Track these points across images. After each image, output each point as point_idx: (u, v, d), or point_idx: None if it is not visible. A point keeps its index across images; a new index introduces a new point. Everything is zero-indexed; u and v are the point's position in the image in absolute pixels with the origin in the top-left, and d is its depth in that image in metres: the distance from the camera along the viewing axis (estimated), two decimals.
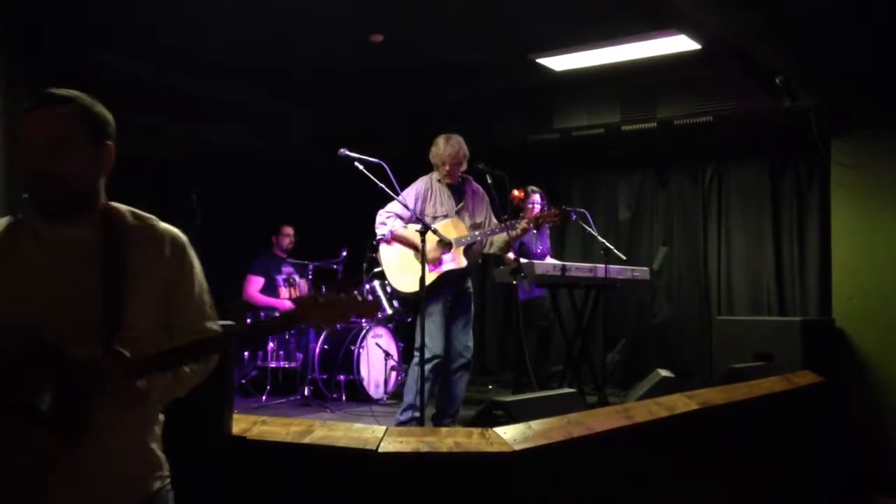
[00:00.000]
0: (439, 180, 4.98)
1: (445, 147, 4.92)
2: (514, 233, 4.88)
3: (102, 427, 1.73)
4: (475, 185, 5.11)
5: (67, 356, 1.71)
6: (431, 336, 4.74)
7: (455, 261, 4.88)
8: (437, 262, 4.83)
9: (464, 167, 5.00)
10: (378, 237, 4.93)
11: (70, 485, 1.72)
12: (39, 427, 1.68)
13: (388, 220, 4.86)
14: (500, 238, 5.04)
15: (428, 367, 4.68)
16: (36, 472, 1.70)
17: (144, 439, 1.88)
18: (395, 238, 4.89)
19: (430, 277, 4.75)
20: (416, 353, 4.71)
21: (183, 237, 1.98)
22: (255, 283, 7.24)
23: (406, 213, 4.80)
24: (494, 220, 5.08)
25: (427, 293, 4.60)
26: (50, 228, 1.84)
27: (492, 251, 5.17)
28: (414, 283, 4.60)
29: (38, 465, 1.70)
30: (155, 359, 1.79)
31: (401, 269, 4.87)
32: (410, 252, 4.82)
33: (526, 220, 4.88)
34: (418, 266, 4.51)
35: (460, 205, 5.00)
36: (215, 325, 1.99)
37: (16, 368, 1.70)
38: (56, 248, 1.82)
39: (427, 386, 4.64)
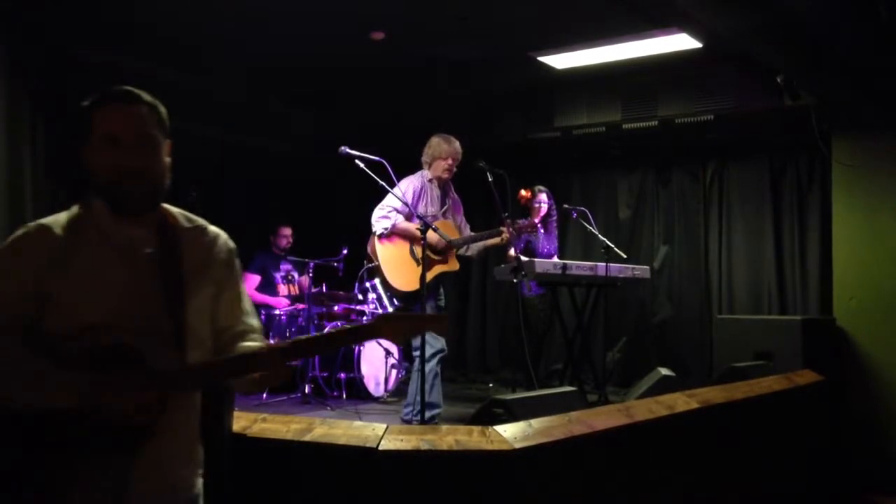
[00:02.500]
0: (430, 180, 5.00)
1: (449, 144, 4.96)
2: (495, 241, 5.05)
3: (168, 429, 1.76)
4: (454, 192, 5.18)
5: (148, 359, 1.70)
6: (433, 332, 4.75)
7: (449, 263, 4.90)
8: (440, 259, 4.86)
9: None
10: (378, 231, 4.87)
11: (145, 491, 1.74)
12: (119, 435, 1.67)
13: (390, 213, 4.82)
14: (477, 246, 5.13)
15: (434, 362, 4.71)
16: (116, 490, 1.70)
17: (193, 438, 1.93)
18: (396, 232, 4.86)
19: (432, 274, 4.78)
20: (419, 355, 4.70)
21: (231, 241, 2.03)
22: (252, 281, 7.25)
23: (404, 210, 4.80)
24: (468, 228, 5.16)
25: (427, 289, 4.63)
26: (114, 226, 1.83)
27: (469, 254, 5.24)
28: (411, 282, 4.61)
29: (120, 484, 1.70)
30: (238, 360, 1.82)
31: (398, 266, 4.86)
32: (407, 250, 4.81)
33: (507, 230, 5.00)
34: (419, 266, 4.52)
35: (444, 207, 5.04)
36: (257, 322, 2.03)
37: (104, 371, 1.67)
38: (120, 247, 1.82)
39: (437, 380, 4.69)
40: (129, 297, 1.78)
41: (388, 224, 4.81)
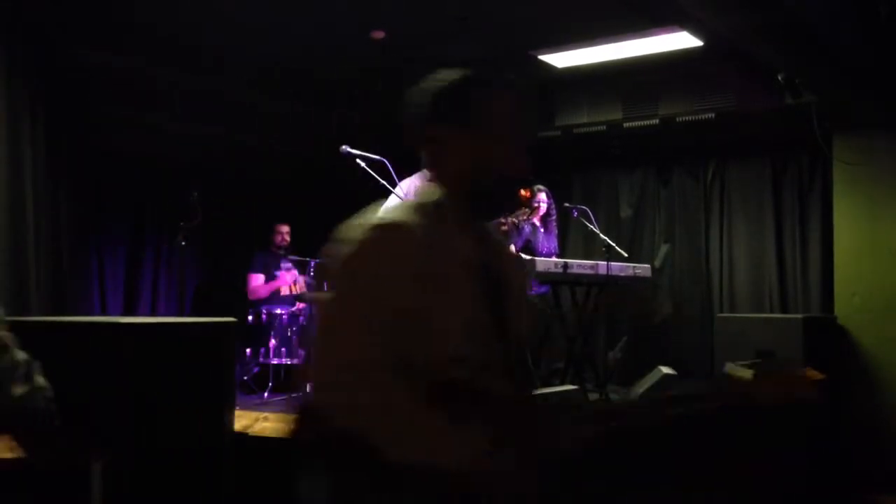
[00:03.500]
0: (430, 180, 5.01)
1: None
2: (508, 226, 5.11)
3: None
4: None
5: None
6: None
7: None
8: None
9: None
10: None
11: None
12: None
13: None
14: None
15: None
16: None
17: None
18: None
19: None
20: None
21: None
22: (256, 281, 7.27)
23: None
24: None
25: None
26: (460, 236, 1.53)
27: None
28: None
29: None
30: None
31: None
32: None
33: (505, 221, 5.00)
34: None
35: None
36: None
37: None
38: (465, 261, 1.52)
39: None
40: (475, 322, 1.48)
41: None
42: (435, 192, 1.58)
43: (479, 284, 1.49)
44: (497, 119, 1.57)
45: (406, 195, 4.81)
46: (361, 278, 1.42)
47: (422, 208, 1.54)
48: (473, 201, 1.55)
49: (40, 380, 1.95)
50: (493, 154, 1.55)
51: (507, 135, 1.56)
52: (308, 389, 1.45)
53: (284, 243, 7.39)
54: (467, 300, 1.46)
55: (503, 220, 5.02)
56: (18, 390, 1.89)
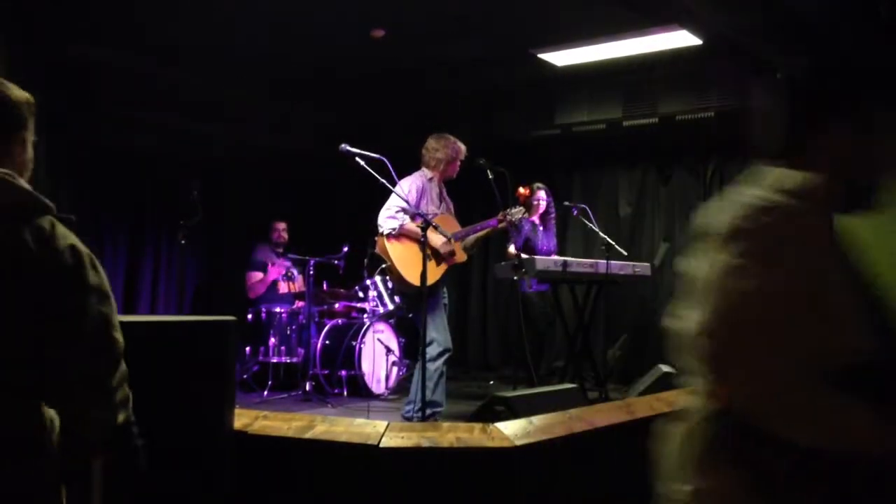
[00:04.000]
0: (430, 179, 5.03)
1: (456, 144, 5.05)
2: (487, 231, 5.15)
3: None
4: (446, 193, 5.24)
5: None
6: (440, 330, 4.78)
7: (457, 255, 4.95)
8: (451, 255, 4.89)
9: None
10: (386, 231, 4.86)
11: None
12: None
13: (397, 213, 4.83)
14: (470, 239, 5.19)
15: (440, 361, 4.72)
16: None
17: None
18: (404, 233, 4.86)
19: (440, 272, 4.83)
20: (429, 351, 4.70)
21: None
22: (254, 279, 7.28)
23: (409, 209, 4.82)
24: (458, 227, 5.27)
25: (435, 287, 4.71)
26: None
27: (465, 247, 5.29)
28: (431, 276, 4.67)
29: None
30: None
31: (414, 264, 4.83)
32: (418, 247, 4.79)
33: (505, 214, 5.06)
34: (431, 260, 4.60)
35: (441, 206, 5.09)
36: None
37: None
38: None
39: (442, 380, 4.73)
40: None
41: (395, 224, 4.83)
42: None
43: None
44: None
45: (408, 194, 4.82)
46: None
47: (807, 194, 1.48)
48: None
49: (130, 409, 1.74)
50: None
51: None
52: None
53: (282, 240, 7.41)
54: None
55: (502, 216, 5.06)
56: (121, 416, 1.69)
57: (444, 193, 5.22)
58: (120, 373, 1.68)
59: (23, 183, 1.65)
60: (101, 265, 1.69)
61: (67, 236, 1.63)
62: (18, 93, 1.76)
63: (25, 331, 1.59)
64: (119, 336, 1.68)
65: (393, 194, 4.76)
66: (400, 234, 4.86)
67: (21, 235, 1.56)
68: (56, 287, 1.60)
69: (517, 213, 5.12)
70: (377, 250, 5.05)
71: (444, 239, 4.85)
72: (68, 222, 1.68)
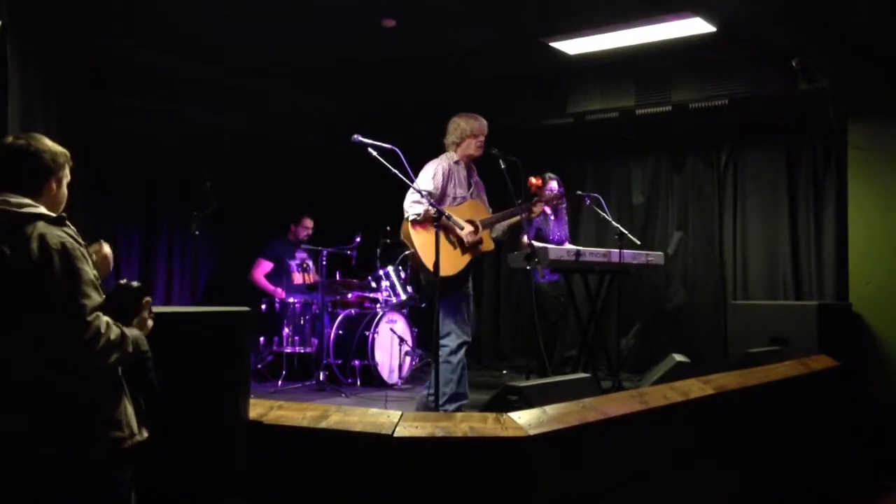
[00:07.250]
0: (457, 161, 4.95)
1: (477, 121, 4.95)
2: (526, 215, 5.03)
3: None
4: (476, 174, 5.13)
5: None
6: (459, 322, 4.74)
7: (485, 243, 4.86)
8: (478, 244, 4.80)
9: None
10: (410, 217, 4.71)
11: None
12: None
13: (423, 199, 4.71)
14: (501, 226, 5.09)
15: (461, 353, 4.70)
16: None
17: None
18: (428, 219, 4.73)
19: (465, 261, 4.75)
20: (446, 344, 4.66)
21: None
22: (264, 267, 7.28)
23: (436, 193, 4.75)
24: (490, 210, 5.12)
25: (460, 277, 4.68)
26: None
27: (496, 235, 5.16)
28: (455, 266, 4.62)
29: None
30: None
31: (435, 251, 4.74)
32: (442, 233, 4.68)
33: (540, 203, 4.95)
34: (456, 249, 4.55)
35: (471, 188, 5.00)
36: None
37: None
38: None
39: (465, 371, 4.72)
40: None
41: (420, 210, 4.65)
42: None
43: None
44: None
45: (434, 178, 4.77)
46: None
47: None
48: None
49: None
50: None
51: None
52: None
53: (307, 238, 7.37)
54: None
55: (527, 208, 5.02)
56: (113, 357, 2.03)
57: (476, 176, 5.11)
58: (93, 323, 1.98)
59: (13, 203, 2.04)
60: (81, 252, 2.04)
61: (47, 235, 1.99)
62: (53, 146, 2.17)
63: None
64: (87, 300, 1.99)
65: (420, 179, 4.71)
66: (425, 220, 4.73)
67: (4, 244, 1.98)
68: (25, 274, 1.97)
69: (553, 199, 5.06)
70: (402, 237, 4.93)
71: (470, 228, 4.78)
72: (58, 220, 2.05)
